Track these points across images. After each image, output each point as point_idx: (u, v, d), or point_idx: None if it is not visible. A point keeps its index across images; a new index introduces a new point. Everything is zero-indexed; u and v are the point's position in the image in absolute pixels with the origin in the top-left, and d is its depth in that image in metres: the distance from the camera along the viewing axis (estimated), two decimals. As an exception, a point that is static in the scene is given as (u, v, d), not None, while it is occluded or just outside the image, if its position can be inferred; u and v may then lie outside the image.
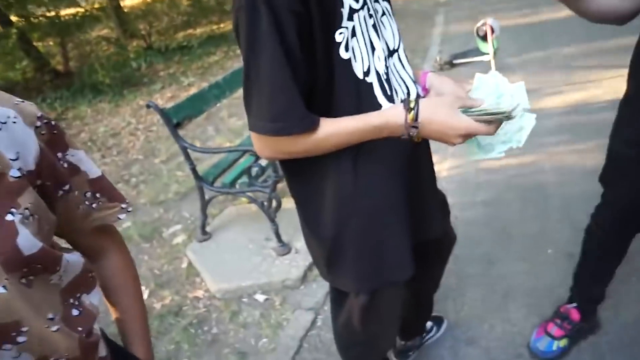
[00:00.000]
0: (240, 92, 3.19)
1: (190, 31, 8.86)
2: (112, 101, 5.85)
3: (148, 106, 2.28)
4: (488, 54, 4.03)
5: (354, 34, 0.88)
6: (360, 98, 0.92)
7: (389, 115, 0.90)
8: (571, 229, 2.31)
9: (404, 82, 1.02)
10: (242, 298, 2.29)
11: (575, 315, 1.72)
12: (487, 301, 2.01)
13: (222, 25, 8.94)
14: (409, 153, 1.02)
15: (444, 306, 2.00)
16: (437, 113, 0.89)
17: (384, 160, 0.99)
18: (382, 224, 1.02)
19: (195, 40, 8.06)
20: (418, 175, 1.08)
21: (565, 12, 5.80)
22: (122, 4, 9.10)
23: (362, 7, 0.90)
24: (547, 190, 2.61)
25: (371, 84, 0.93)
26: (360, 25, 0.89)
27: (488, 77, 0.99)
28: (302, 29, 0.81)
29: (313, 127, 0.88)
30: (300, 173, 1.02)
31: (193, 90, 5.80)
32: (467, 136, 0.90)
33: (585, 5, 1.08)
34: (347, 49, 0.87)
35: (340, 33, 0.86)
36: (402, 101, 0.97)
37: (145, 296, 2.39)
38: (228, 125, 4.44)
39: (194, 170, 2.40)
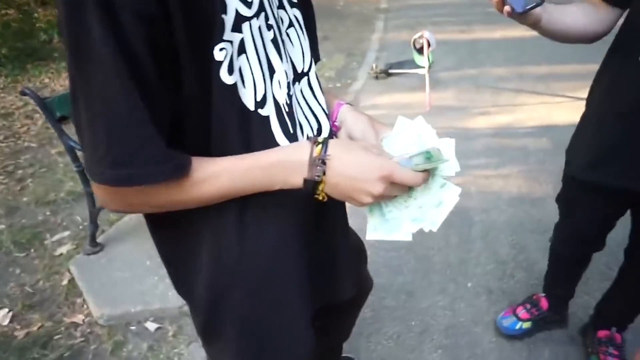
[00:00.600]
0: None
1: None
2: (10, 75, 5.12)
3: (23, 93, 1.87)
4: (423, 67, 3.96)
5: (242, 50, 0.63)
6: (250, 137, 0.67)
7: (289, 152, 0.67)
8: (492, 261, 2.23)
9: (314, 115, 0.78)
10: (129, 326, 1.97)
11: (545, 304, 1.80)
12: (403, 339, 1.86)
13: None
14: (311, 207, 0.78)
15: (356, 345, 1.83)
16: (351, 150, 0.67)
17: (281, 212, 0.75)
18: (272, 298, 0.78)
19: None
20: (326, 232, 0.85)
21: (499, 33, 5.95)
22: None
23: (256, 15, 0.64)
24: (472, 216, 2.53)
25: (267, 117, 0.68)
26: (253, 39, 0.64)
27: (412, 124, 0.78)
28: (157, 41, 0.55)
29: (180, 172, 0.62)
30: (168, 225, 0.76)
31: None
32: (389, 182, 0.67)
33: (552, 26, 1.07)
34: (231, 71, 0.62)
35: (221, 49, 0.60)
36: (307, 138, 0.74)
37: (5, 321, 1.98)
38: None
39: (81, 173, 2.03)
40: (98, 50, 0.52)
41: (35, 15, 6.77)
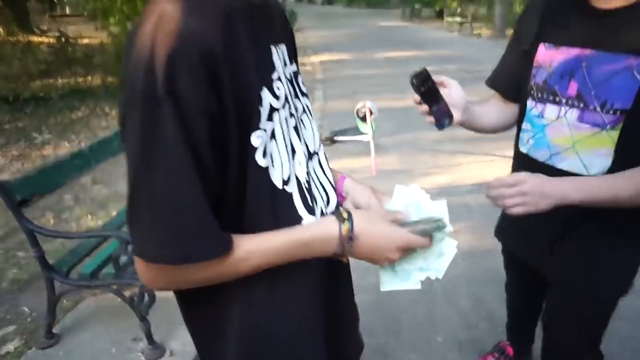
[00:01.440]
0: (109, 161, 2.79)
1: (50, 81, 7.95)
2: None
3: (-17, 179, 1.81)
4: (367, 134, 4.25)
5: (273, 136, 0.73)
6: (278, 211, 0.75)
7: (320, 229, 0.76)
8: (457, 313, 2.35)
9: (324, 189, 0.88)
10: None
11: (510, 351, 1.90)
12: (385, 402, 1.88)
13: (89, 78, 8.21)
14: (327, 268, 0.86)
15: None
16: (373, 224, 0.79)
17: (306, 276, 0.82)
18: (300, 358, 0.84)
19: (55, 92, 7.22)
20: (338, 293, 0.93)
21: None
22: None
23: (283, 106, 0.75)
24: (430, 273, 2.67)
25: (291, 194, 0.77)
26: (281, 126, 0.74)
27: (409, 190, 0.91)
28: (213, 132, 0.63)
29: (228, 250, 0.68)
30: (199, 301, 0.80)
31: (48, 149, 5.06)
32: (404, 250, 0.81)
33: (471, 125, 1.25)
34: (264, 155, 0.71)
35: (258, 136, 0.69)
36: (331, 213, 0.84)
37: None
38: (91, 194, 3.87)
39: (41, 258, 1.94)
40: (169, 145, 0.59)
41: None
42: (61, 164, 2.13)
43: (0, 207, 3.58)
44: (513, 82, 1.30)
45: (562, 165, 1.16)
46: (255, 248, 0.71)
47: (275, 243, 0.72)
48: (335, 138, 4.79)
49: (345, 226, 0.75)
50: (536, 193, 1.03)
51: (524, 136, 1.28)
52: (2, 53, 7.20)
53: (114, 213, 3.30)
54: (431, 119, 1.10)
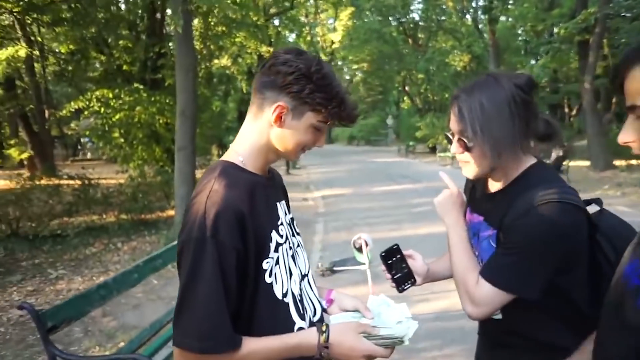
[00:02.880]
0: (125, 293, 3.04)
1: (67, 219, 8.48)
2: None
3: (20, 308, 2.08)
4: (364, 263, 4.52)
5: (277, 262, 1.07)
6: (278, 315, 1.06)
7: (304, 337, 1.05)
8: None
9: (312, 302, 1.19)
10: None
11: None
12: None
13: (104, 216, 8.76)
14: None
15: None
16: (345, 337, 1.06)
17: None
18: None
19: (72, 230, 7.68)
20: None
21: (424, 229, 6.90)
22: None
23: (285, 241, 1.12)
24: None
25: (288, 304, 1.08)
26: (283, 255, 1.10)
27: (378, 298, 1.25)
28: (240, 263, 0.98)
29: (237, 346, 0.98)
30: None
31: (61, 284, 5.30)
32: (369, 357, 1.07)
33: (437, 279, 1.60)
34: (270, 275, 1.05)
35: (267, 262, 1.05)
36: (314, 324, 1.12)
37: None
38: (100, 326, 4.02)
39: (61, 382, 2.10)
40: (208, 271, 0.94)
41: None
42: (88, 294, 2.40)
43: (10, 342, 3.74)
44: None
45: None
46: (257, 347, 1.01)
47: (272, 345, 1.02)
48: (335, 268, 5.05)
49: (323, 337, 1.05)
50: None
51: None
52: (30, 197, 7.83)
53: (121, 344, 3.43)
54: (392, 283, 1.43)
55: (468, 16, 24.08)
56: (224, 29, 11.43)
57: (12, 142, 18.47)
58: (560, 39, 14.67)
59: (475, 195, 1.43)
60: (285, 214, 1.20)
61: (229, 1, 9.19)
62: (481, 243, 1.29)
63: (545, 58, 15.87)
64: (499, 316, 1.28)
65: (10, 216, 7.62)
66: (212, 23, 11.12)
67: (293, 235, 1.21)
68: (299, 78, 1.03)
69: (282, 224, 1.14)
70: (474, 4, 22.75)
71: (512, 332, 1.29)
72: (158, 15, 11.07)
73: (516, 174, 1.23)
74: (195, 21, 10.62)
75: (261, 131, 1.10)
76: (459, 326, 3.62)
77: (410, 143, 25.25)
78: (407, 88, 31.33)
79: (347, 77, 42.10)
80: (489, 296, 1.17)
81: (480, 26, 22.52)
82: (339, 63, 40.56)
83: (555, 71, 20.92)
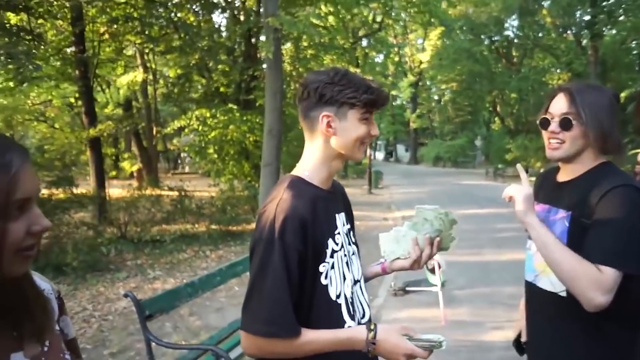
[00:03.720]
0: (208, 294, 3.38)
1: (165, 226, 9.37)
2: (73, 284, 5.81)
3: (126, 295, 2.45)
4: (436, 285, 4.50)
5: (332, 266, 1.24)
6: (331, 314, 1.22)
7: (355, 333, 1.18)
8: None
9: (362, 306, 1.33)
10: None
11: None
12: None
13: (196, 225, 9.53)
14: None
15: None
16: (390, 335, 1.18)
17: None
18: None
19: (169, 236, 8.47)
20: None
21: (506, 256, 6.63)
22: (108, 193, 9.81)
23: (340, 249, 1.28)
24: None
25: (340, 304, 1.24)
26: (338, 261, 1.25)
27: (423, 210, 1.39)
28: (301, 261, 1.16)
29: (298, 333, 1.14)
30: None
31: (157, 284, 5.91)
32: (410, 357, 1.17)
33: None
34: (326, 277, 1.21)
35: (324, 266, 1.21)
36: (364, 323, 1.27)
37: None
38: (187, 324, 4.45)
39: (152, 364, 2.43)
40: (275, 266, 1.13)
41: (103, 233, 7.87)
42: (178, 290, 2.75)
43: (116, 329, 4.28)
44: None
45: (540, 284, 1.48)
46: (314, 337, 1.17)
47: (326, 337, 1.18)
48: (407, 288, 5.06)
49: (371, 334, 1.17)
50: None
51: (525, 265, 1.65)
52: (137, 205, 8.81)
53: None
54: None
55: (569, 32, 22.62)
56: (312, 52, 12.02)
57: (125, 155, 20.74)
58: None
59: (541, 189, 1.60)
60: (344, 225, 1.35)
61: (319, 27, 9.69)
62: (553, 225, 1.43)
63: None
64: (565, 293, 1.39)
65: (121, 221, 8.62)
66: (302, 47, 11.74)
67: (349, 244, 1.35)
68: (326, 87, 1.22)
69: (339, 233, 1.29)
70: (577, 18, 21.31)
71: (574, 313, 1.35)
72: (253, 40, 11.96)
73: (590, 167, 1.43)
74: (287, 44, 11.30)
75: (319, 146, 1.28)
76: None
77: (499, 166, 24.07)
78: (498, 108, 30.05)
79: (436, 97, 41.50)
80: (615, 280, 1.25)
81: (583, 42, 21.05)
82: (427, 83, 40.24)
83: (671, 89, 18.83)
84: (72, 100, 13.12)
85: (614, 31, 19.80)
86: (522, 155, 20.77)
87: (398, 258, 1.41)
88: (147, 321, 2.45)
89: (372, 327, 1.18)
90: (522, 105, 25.13)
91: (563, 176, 1.52)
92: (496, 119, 32.91)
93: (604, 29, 18.07)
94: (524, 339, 1.75)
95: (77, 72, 10.10)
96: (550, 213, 1.50)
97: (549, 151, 1.47)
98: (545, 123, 1.46)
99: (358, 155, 1.29)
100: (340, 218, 1.34)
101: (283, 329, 1.12)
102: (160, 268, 6.68)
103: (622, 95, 14.03)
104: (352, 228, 1.43)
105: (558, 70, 24.15)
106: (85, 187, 9.58)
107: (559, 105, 1.44)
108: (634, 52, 21.98)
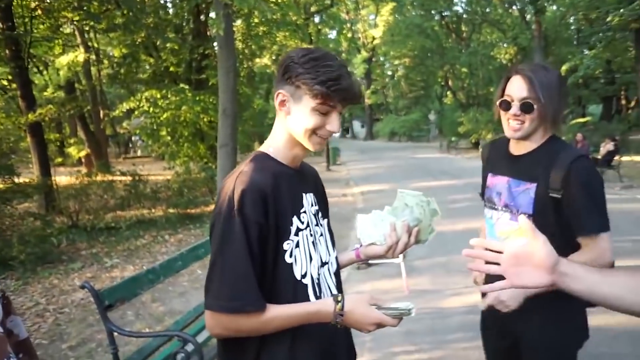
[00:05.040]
0: (170, 279, 3.29)
1: (120, 213, 9.04)
2: (22, 278, 5.52)
3: (82, 287, 2.34)
4: (398, 257, 4.61)
5: (297, 245, 1.21)
6: (296, 294, 1.20)
7: (322, 305, 1.17)
8: None
9: (329, 287, 1.31)
10: None
11: None
12: None
13: (153, 210, 9.27)
14: (330, 344, 1.26)
15: None
16: (358, 306, 1.17)
17: (314, 347, 1.22)
18: None
19: (124, 223, 8.19)
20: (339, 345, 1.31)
21: (461, 225, 6.85)
22: (54, 181, 9.32)
23: (306, 228, 1.25)
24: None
25: (306, 285, 1.22)
26: (303, 240, 1.23)
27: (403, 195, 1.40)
28: (262, 234, 1.13)
29: (263, 308, 1.11)
30: (235, 350, 1.20)
31: (115, 272, 5.72)
32: (379, 325, 1.18)
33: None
34: (290, 256, 1.19)
35: (287, 243, 1.18)
36: (331, 295, 1.26)
37: None
38: (150, 311, 4.35)
39: (115, 355, 2.35)
40: (236, 239, 1.09)
41: (53, 224, 7.48)
42: (139, 277, 2.65)
43: (74, 321, 4.12)
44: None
45: None
46: (280, 312, 1.14)
47: (293, 310, 1.16)
48: (370, 262, 5.15)
49: (338, 306, 1.16)
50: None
51: (486, 233, 1.77)
52: (88, 192, 8.43)
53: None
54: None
55: (514, 7, 23.28)
56: (264, 29, 11.74)
57: (71, 141, 19.72)
58: (614, 28, 13.94)
59: (494, 160, 1.75)
60: (312, 205, 1.31)
61: (270, 2, 9.45)
62: (517, 197, 1.60)
63: (598, 48, 15.15)
64: None
65: (71, 209, 8.24)
66: (254, 24, 11.44)
67: (317, 225, 1.32)
68: (288, 65, 1.17)
69: (304, 212, 1.26)
70: (521, -6, 21.94)
71: None
72: (202, 17, 11.52)
73: (541, 142, 1.60)
74: (238, 22, 10.97)
75: (281, 125, 1.25)
76: (490, 319, 3.64)
77: (453, 139, 24.78)
78: (449, 83, 30.73)
79: (389, 73, 41.83)
80: (610, 240, 1.49)
81: (527, 17, 21.73)
82: (381, 59, 40.43)
83: (609, 61, 19.90)
84: (5, 82, 12.19)
85: (554, 7, 20.56)
86: (474, 127, 21.43)
87: (374, 243, 1.40)
88: (107, 311, 2.36)
89: (339, 298, 1.17)
90: (473, 79, 25.81)
91: (516, 150, 1.66)
92: (448, 93, 33.70)
93: (545, 4, 18.67)
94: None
95: (7, 51, 9.33)
96: (512, 185, 1.63)
97: (511, 132, 1.59)
98: (506, 105, 1.57)
99: (309, 146, 1.23)
100: (308, 198, 1.31)
101: (248, 304, 1.10)
102: (118, 255, 6.46)
103: (563, 68, 14.66)
104: (324, 212, 1.40)
105: (505, 45, 24.86)
106: (28, 175, 9.04)
107: (518, 88, 1.55)
108: (572, 27, 23.01)
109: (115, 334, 2.38)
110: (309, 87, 1.14)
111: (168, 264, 2.90)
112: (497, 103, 1.60)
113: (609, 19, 13.47)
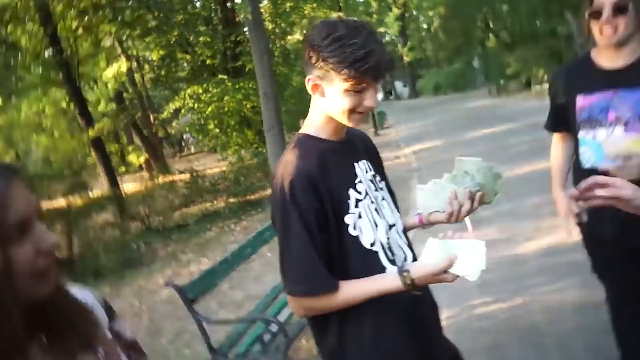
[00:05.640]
0: (243, 266, 3.44)
1: (185, 210, 9.49)
2: (114, 285, 5.98)
3: (167, 285, 2.51)
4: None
5: (360, 216, 1.22)
6: (369, 262, 1.21)
7: (390, 281, 1.17)
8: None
9: (401, 249, 1.32)
10: None
11: None
12: None
13: (215, 202, 9.64)
14: (413, 311, 1.26)
15: None
16: (422, 268, 1.15)
17: (396, 318, 1.24)
18: None
19: (191, 219, 8.60)
20: (425, 331, 1.30)
21: (523, 169, 6.59)
22: (123, 190, 9.91)
23: (365, 197, 1.25)
24: (542, 329, 2.76)
25: (377, 252, 1.23)
26: (365, 210, 1.23)
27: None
28: (319, 217, 1.16)
29: (334, 288, 1.15)
30: (327, 329, 1.25)
31: (192, 267, 6.05)
32: (448, 266, 1.12)
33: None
34: (355, 228, 1.20)
35: (349, 217, 1.20)
36: (401, 263, 1.27)
37: None
38: (230, 298, 4.58)
39: (209, 343, 2.52)
40: (295, 228, 1.13)
41: (128, 230, 8.01)
42: (214, 269, 2.80)
43: (167, 317, 4.42)
44: (565, 123, 1.81)
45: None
46: (351, 289, 1.16)
47: (364, 286, 1.17)
48: (434, 220, 5.09)
49: (407, 279, 1.14)
50: None
51: (584, 157, 1.71)
52: (154, 194, 8.90)
53: (249, 310, 3.90)
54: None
55: None
56: (291, 4, 11.59)
57: (130, 149, 20.76)
58: None
59: (582, 79, 1.69)
60: (367, 172, 1.30)
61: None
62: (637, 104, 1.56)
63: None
64: None
65: (142, 213, 8.76)
66: (279, 1, 11.32)
67: (376, 190, 1.31)
68: (312, 49, 1.14)
69: (360, 181, 1.26)
70: None
71: None
72: (229, 4, 11.54)
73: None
74: (264, 2, 10.90)
75: (318, 105, 1.24)
76: (570, 260, 3.49)
77: (502, 81, 23.52)
78: (490, 24, 28.95)
79: (425, 26, 40.09)
80: None
81: None
82: (414, 13, 38.78)
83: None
84: (64, 104, 12.98)
85: None
86: (523, 66, 20.20)
87: (437, 211, 1.36)
88: (192, 304, 2.52)
89: (405, 269, 1.15)
90: (516, 15, 24.12)
91: (613, 62, 1.62)
92: (490, 35, 31.82)
93: None
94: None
95: (60, 74, 9.92)
96: (617, 96, 1.59)
97: (605, 40, 1.57)
98: (597, 14, 1.55)
99: (350, 123, 1.21)
100: (361, 166, 1.30)
101: (319, 286, 1.14)
102: (191, 251, 6.82)
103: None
104: (381, 174, 1.39)
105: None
106: (99, 188, 9.68)
107: None
108: None
109: (205, 323, 2.54)
110: (337, 72, 1.11)
111: (239, 252, 3.03)
112: (587, 16, 1.60)
113: None
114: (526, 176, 6.10)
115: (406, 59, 40.12)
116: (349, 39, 1.09)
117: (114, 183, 9.98)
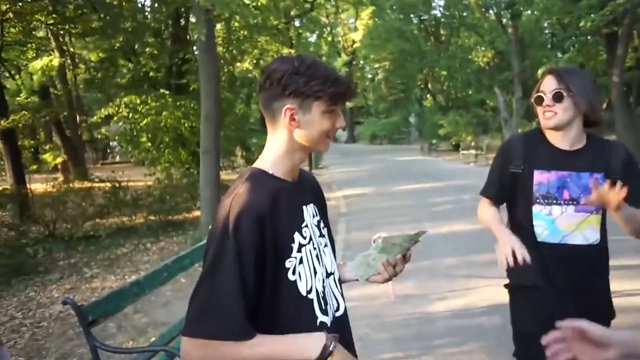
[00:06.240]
0: (155, 291, 3.23)
1: (99, 221, 8.83)
2: (-4, 292, 5.35)
3: (64, 303, 2.28)
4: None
5: (300, 262, 1.18)
6: (302, 310, 1.17)
7: (309, 342, 1.09)
8: None
9: (335, 298, 1.30)
10: None
11: None
12: None
13: (133, 218, 9.09)
14: None
15: None
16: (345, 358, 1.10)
17: None
18: None
19: (104, 231, 8.02)
20: None
21: (445, 228, 6.96)
22: (30, 189, 9.07)
23: (308, 242, 1.22)
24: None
25: (312, 300, 1.19)
26: (306, 256, 1.20)
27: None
28: (258, 257, 1.09)
29: (248, 336, 1.06)
30: None
31: (95, 283, 5.58)
32: None
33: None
34: (294, 273, 1.16)
35: (290, 261, 1.15)
36: (338, 316, 1.26)
37: None
38: (132, 322, 4.25)
39: (100, 372, 2.29)
40: (228, 262, 1.05)
41: (27, 233, 7.28)
42: (123, 290, 2.59)
43: (52, 336, 3.99)
44: (503, 191, 1.91)
45: (571, 241, 1.73)
46: (266, 342, 1.07)
47: (279, 345, 1.08)
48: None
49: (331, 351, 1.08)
50: None
51: (538, 230, 1.79)
52: (65, 200, 8.22)
53: (152, 339, 3.63)
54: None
55: (491, 11, 23.72)
56: (245, 33, 11.68)
57: (46, 147, 19.22)
58: (587, 32, 14.30)
59: (533, 157, 1.81)
60: (313, 216, 1.28)
61: (250, 7, 9.40)
62: (587, 188, 1.70)
63: (572, 52, 15.53)
64: (598, 241, 1.78)
65: (47, 218, 8.02)
66: (234, 28, 11.36)
67: (320, 236, 1.29)
68: (290, 77, 1.15)
69: (306, 225, 1.23)
70: (496, -1, 22.37)
71: (603, 257, 1.83)
72: (182, 21, 11.39)
73: (584, 136, 1.76)
74: (218, 26, 10.88)
75: (283, 139, 1.21)
76: (477, 323, 3.68)
77: (433, 141, 25.03)
78: (429, 86, 31.07)
79: (369, 76, 42.04)
80: None
81: (503, 21, 22.15)
82: (361, 62, 40.59)
83: (582, 65, 20.43)
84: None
85: (529, 12, 21.01)
86: (454, 130, 21.71)
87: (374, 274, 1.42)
88: (90, 327, 2.29)
89: (330, 348, 1.08)
90: (452, 82, 26.14)
91: (566, 145, 1.76)
92: (428, 95, 34.03)
93: (521, 8, 19.05)
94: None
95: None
96: (571, 178, 1.75)
97: (544, 121, 1.73)
98: (539, 99, 1.72)
99: (322, 147, 1.24)
100: (309, 210, 1.28)
101: (234, 330, 1.04)
102: (98, 265, 6.31)
103: (539, 72, 14.99)
104: (325, 220, 1.37)
105: (482, 48, 25.28)
106: (1, 184, 8.79)
107: (549, 83, 1.71)
108: (547, 31, 23.55)
109: (99, 350, 2.31)
110: (323, 92, 1.15)
111: (153, 276, 2.84)
112: (532, 100, 1.75)
113: (581, 24, 13.82)
114: (446, 235, 6.41)
115: (348, 104, 41.53)
116: (319, 64, 1.18)
117: (20, 180, 9.11)
